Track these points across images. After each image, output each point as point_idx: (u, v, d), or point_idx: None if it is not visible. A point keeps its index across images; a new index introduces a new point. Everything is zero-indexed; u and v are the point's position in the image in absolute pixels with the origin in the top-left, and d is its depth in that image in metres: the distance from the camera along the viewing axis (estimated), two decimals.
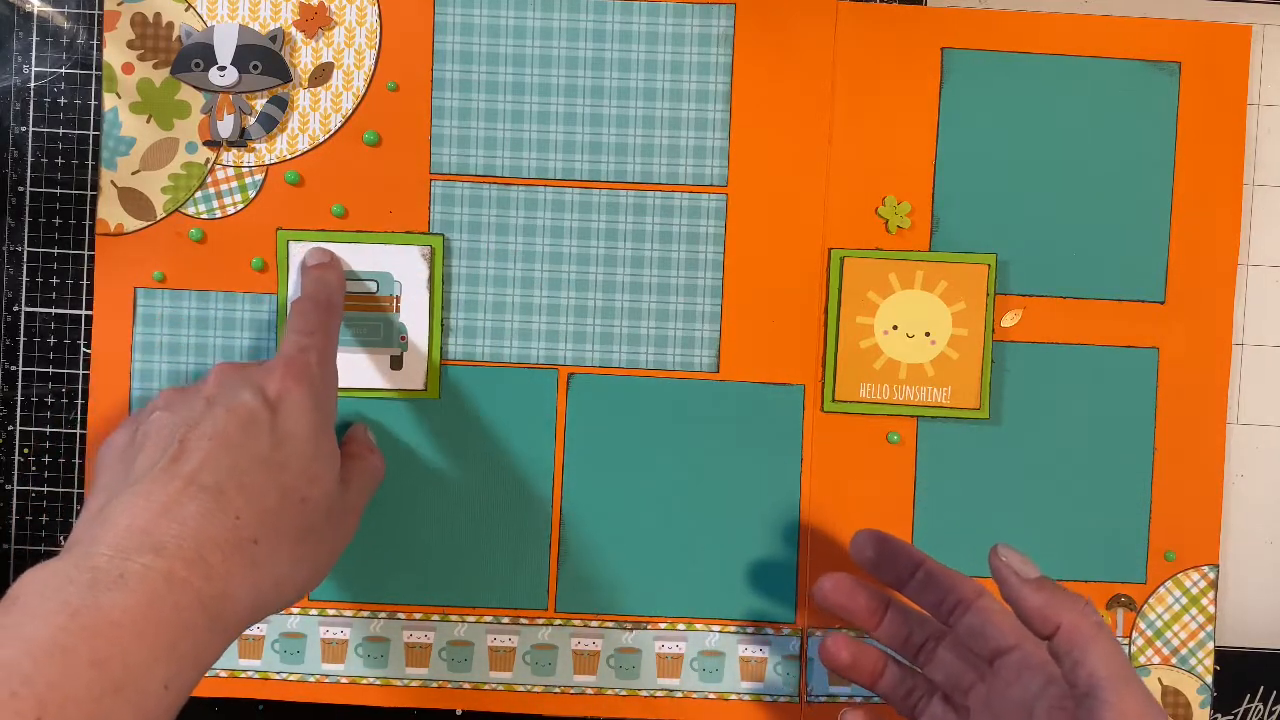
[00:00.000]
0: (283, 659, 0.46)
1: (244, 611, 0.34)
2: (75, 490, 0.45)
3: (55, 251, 0.45)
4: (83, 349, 0.45)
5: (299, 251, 0.45)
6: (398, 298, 0.45)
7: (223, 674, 0.46)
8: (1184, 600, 0.46)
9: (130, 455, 0.37)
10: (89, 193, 0.45)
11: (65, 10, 0.45)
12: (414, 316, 0.45)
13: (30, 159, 0.45)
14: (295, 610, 0.46)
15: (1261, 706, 0.46)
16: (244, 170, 0.45)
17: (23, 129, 0.45)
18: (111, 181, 0.45)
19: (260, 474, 0.35)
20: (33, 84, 0.45)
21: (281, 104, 0.45)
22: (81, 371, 0.45)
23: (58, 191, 0.45)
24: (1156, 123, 0.45)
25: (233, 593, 0.33)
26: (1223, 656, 0.46)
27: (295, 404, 0.37)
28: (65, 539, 0.45)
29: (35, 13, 0.45)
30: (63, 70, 0.45)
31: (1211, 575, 0.46)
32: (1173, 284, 0.46)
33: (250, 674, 0.46)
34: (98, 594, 0.30)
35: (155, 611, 0.31)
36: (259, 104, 0.45)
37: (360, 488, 0.41)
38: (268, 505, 0.35)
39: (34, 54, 0.45)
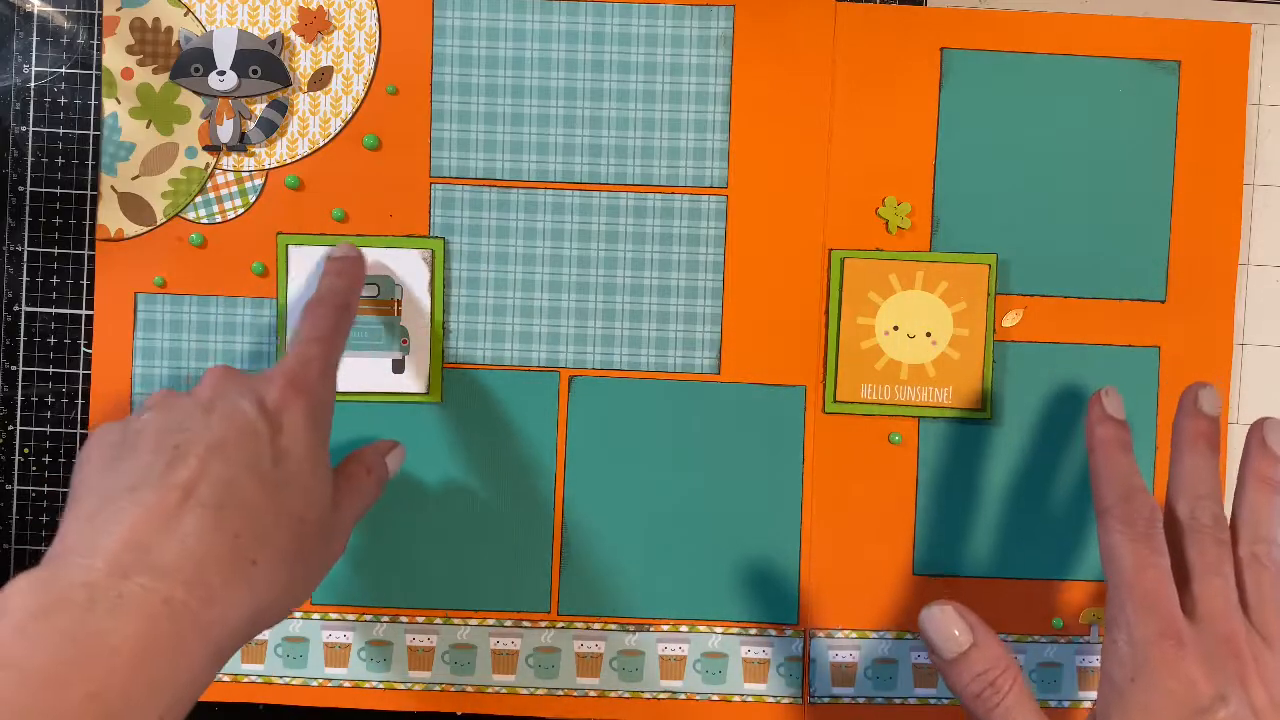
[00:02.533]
0: (285, 663, 0.46)
1: (239, 635, 0.33)
2: None
3: (55, 251, 0.45)
4: (83, 349, 0.45)
5: (299, 256, 0.45)
6: (399, 301, 0.45)
7: (225, 678, 0.46)
8: None
9: (122, 455, 0.35)
10: (89, 193, 0.45)
11: (65, 10, 0.45)
12: (415, 320, 0.45)
13: (30, 159, 0.45)
14: (298, 614, 0.46)
15: None
16: (244, 175, 0.45)
17: (23, 129, 0.45)
18: (111, 187, 0.45)
19: (259, 491, 0.34)
20: (33, 84, 0.45)
21: (281, 108, 0.45)
22: (81, 371, 0.45)
23: (58, 192, 0.45)
24: (1156, 122, 0.45)
25: (230, 617, 0.32)
26: None
27: (295, 420, 0.36)
28: None
29: (35, 13, 0.45)
30: (63, 70, 0.45)
31: None
32: (1173, 283, 0.46)
33: (253, 678, 0.46)
34: (96, 618, 0.30)
35: (154, 639, 0.30)
36: (258, 108, 0.45)
37: (350, 508, 0.39)
38: (266, 524, 0.34)
39: (34, 54, 0.45)
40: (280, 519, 0.34)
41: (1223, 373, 0.46)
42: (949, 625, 0.36)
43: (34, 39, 0.45)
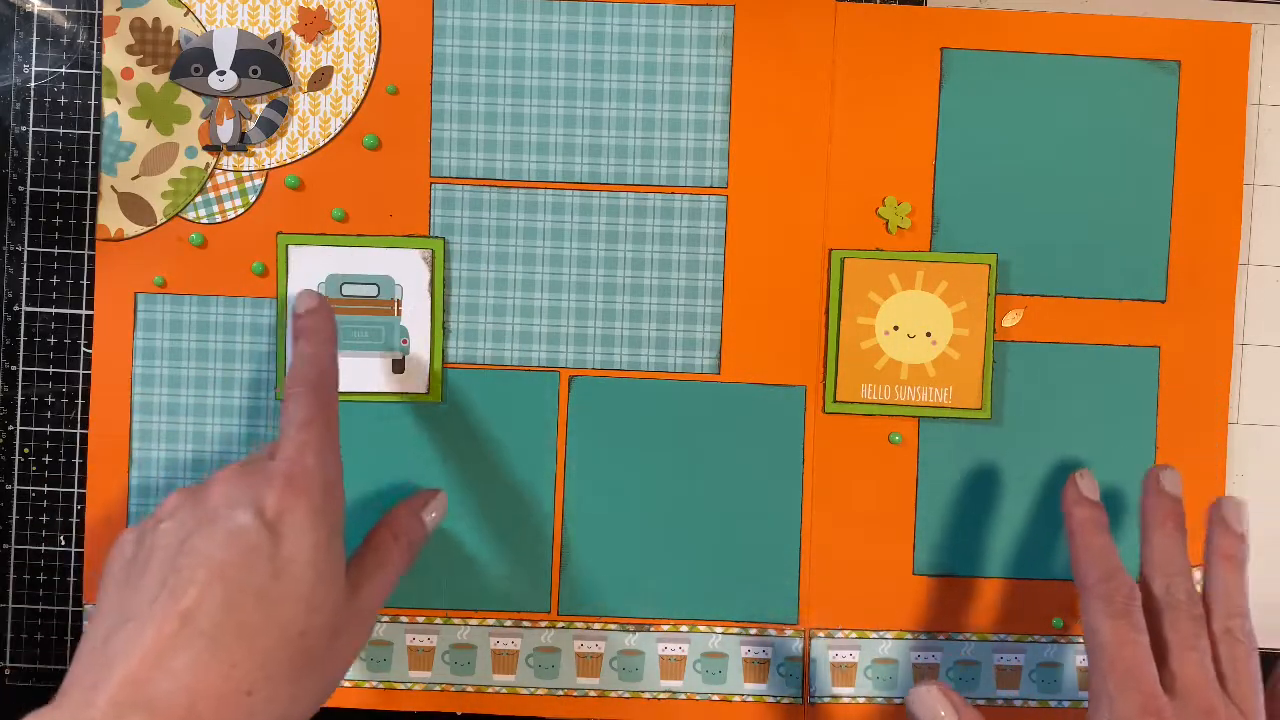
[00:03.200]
0: None
1: None
2: (75, 490, 0.45)
3: (55, 251, 0.45)
4: (83, 349, 0.45)
5: (299, 256, 0.45)
6: (399, 301, 0.45)
7: None
8: None
9: (133, 575, 0.35)
10: (89, 193, 0.45)
11: (65, 10, 0.45)
12: (415, 320, 0.45)
13: (30, 159, 0.45)
14: None
15: None
16: (244, 175, 0.45)
17: (23, 129, 0.45)
18: (111, 187, 0.45)
19: (257, 612, 0.34)
20: (33, 84, 0.45)
21: (281, 108, 0.45)
22: (81, 371, 0.45)
23: (58, 191, 0.45)
24: (1156, 122, 0.45)
25: None
26: None
27: (296, 524, 0.36)
28: (65, 539, 0.45)
29: (35, 13, 0.45)
30: (63, 70, 0.45)
31: None
32: (1173, 283, 0.46)
33: None
34: None
35: None
36: (258, 108, 0.45)
37: (373, 590, 0.39)
38: (266, 646, 0.34)
39: (34, 54, 0.45)
40: (282, 639, 0.34)
41: (1222, 373, 0.46)
42: (935, 706, 0.38)
43: (34, 39, 0.45)
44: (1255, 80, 0.46)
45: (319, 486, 0.37)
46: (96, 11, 0.45)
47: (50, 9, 0.45)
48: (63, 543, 0.46)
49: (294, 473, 0.36)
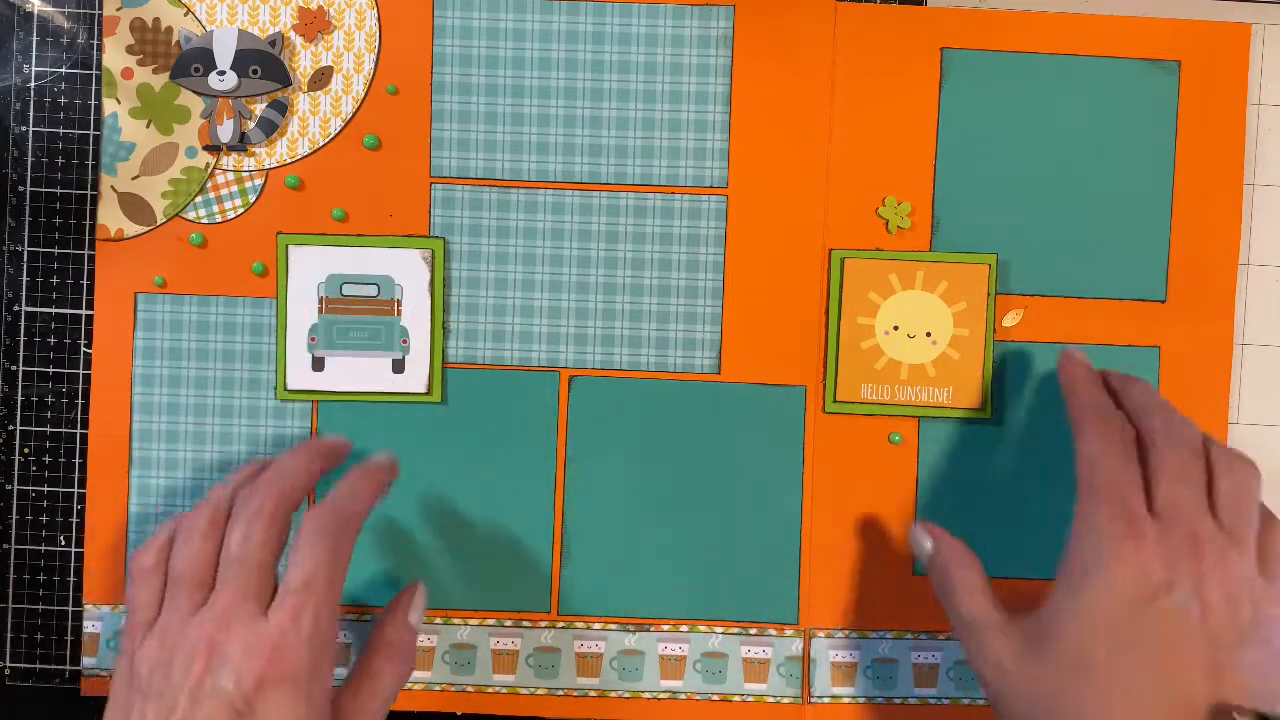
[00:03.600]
0: None
1: None
2: (75, 490, 0.45)
3: (55, 251, 0.45)
4: (83, 349, 0.45)
5: (299, 256, 0.45)
6: (399, 301, 0.45)
7: None
8: None
9: (135, 698, 0.36)
10: (89, 192, 0.45)
11: (65, 10, 0.45)
12: (415, 320, 0.45)
13: (30, 159, 0.45)
14: None
15: None
16: (244, 174, 0.45)
17: (23, 129, 0.45)
18: (112, 186, 0.45)
19: None
20: (33, 84, 0.45)
21: (281, 108, 0.45)
22: (82, 371, 0.45)
23: (58, 191, 0.45)
24: (1156, 122, 0.45)
25: None
26: None
27: (275, 706, 0.35)
28: (65, 539, 0.45)
29: (35, 13, 0.45)
30: (63, 70, 0.45)
31: None
32: (1173, 283, 0.46)
33: None
34: None
35: None
36: (259, 108, 0.45)
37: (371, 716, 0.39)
38: None
39: (34, 54, 0.45)
40: None
41: (1223, 373, 0.46)
42: (922, 539, 0.42)
43: (34, 39, 0.45)
44: (1255, 80, 0.46)
45: (307, 661, 0.36)
46: (97, 11, 0.45)
47: (50, 9, 0.45)
48: (63, 543, 0.46)
49: (277, 652, 0.36)
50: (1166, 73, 0.45)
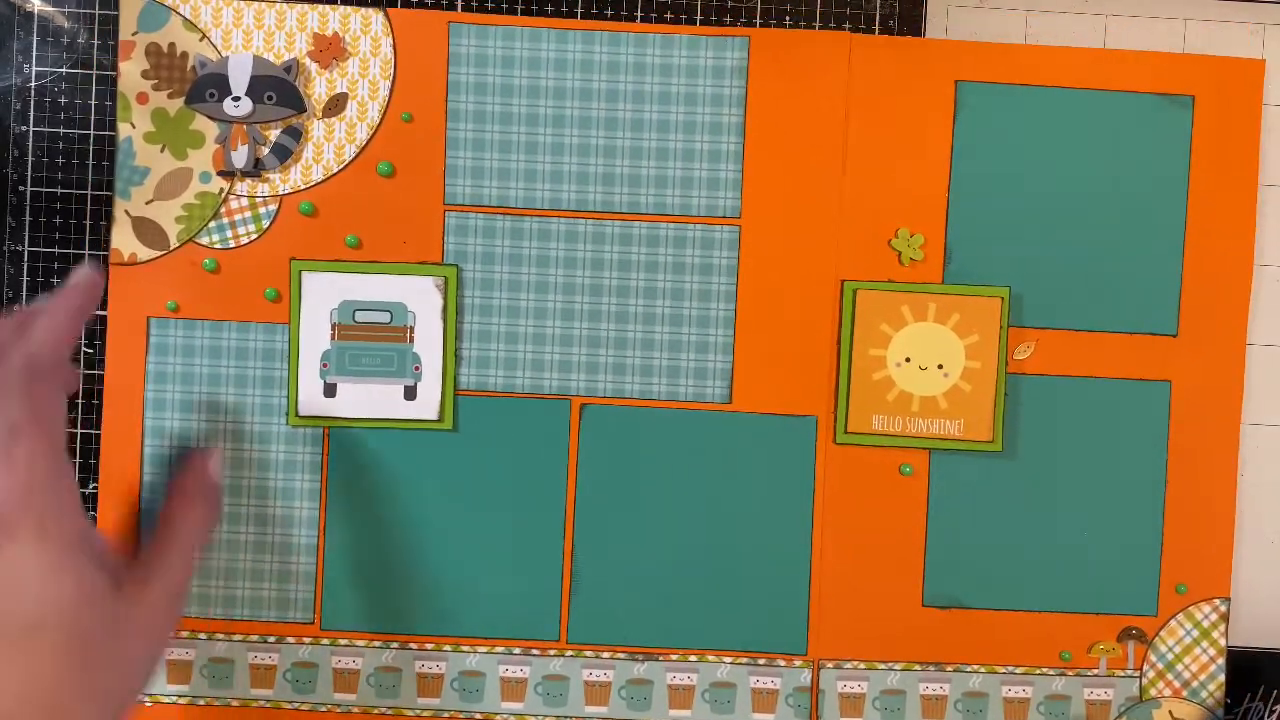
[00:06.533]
0: (295, 688, 0.46)
1: None
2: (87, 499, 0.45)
3: (56, 251, 0.45)
4: (82, 348, 0.45)
5: (313, 282, 0.45)
6: (411, 328, 0.45)
7: (234, 703, 0.46)
8: (1195, 633, 0.46)
9: None
10: (89, 192, 0.45)
11: (65, 10, 0.45)
12: (428, 347, 0.45)
13: (31, 159, 0.45)
14: (307, 639, 0.46)
15: (1261, 706, 0.46)
16: (258, 200, 0.45)
17: (23, 129, 0.45)
18: (125, 210, 0.45)
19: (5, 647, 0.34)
20: (33, 84, 0.45)
21: (296, 134, 0.45)
22: (82, 371, 0.45)
23: (58, 192, 0.45)
24: (1169, 156, 0.46)
25: None
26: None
27: (15, 554, 0.34)
28: None
29: (36, 13, 0.45)
30: (63, 70, 0.45)
31: (1223, 608, 0.46)
32: (1185, 317, 0.46)
33: (263, 703, 0.46)
34: None
35: None
36: (273, 134, 0.45)
37: (169, 572, 0.39)
38: (28, 680, 0.33)
39: (34, 54, 0.45)
40: (46, 671, 0.34)
41: (1233, 408, 0.46)
42: None
43: (34, 39, 0.45)
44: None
45: (33, 501, 0.35)
46: (97, 11, 0.44)
47: (50, 9, 0.45)
48: None
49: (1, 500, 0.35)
50: (1180, 107, 0.45)
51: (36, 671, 0.34)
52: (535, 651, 0.46)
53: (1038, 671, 0.46)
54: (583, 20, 0.45)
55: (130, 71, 0.45)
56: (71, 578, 0.35)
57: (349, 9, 0.45)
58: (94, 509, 0.45)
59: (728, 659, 0.46)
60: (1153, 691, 0.46)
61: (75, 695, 0.34)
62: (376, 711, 0.46)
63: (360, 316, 0.45)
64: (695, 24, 0.45)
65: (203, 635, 0.46)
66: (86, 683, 0.35)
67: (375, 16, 0.45)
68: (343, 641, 0.46)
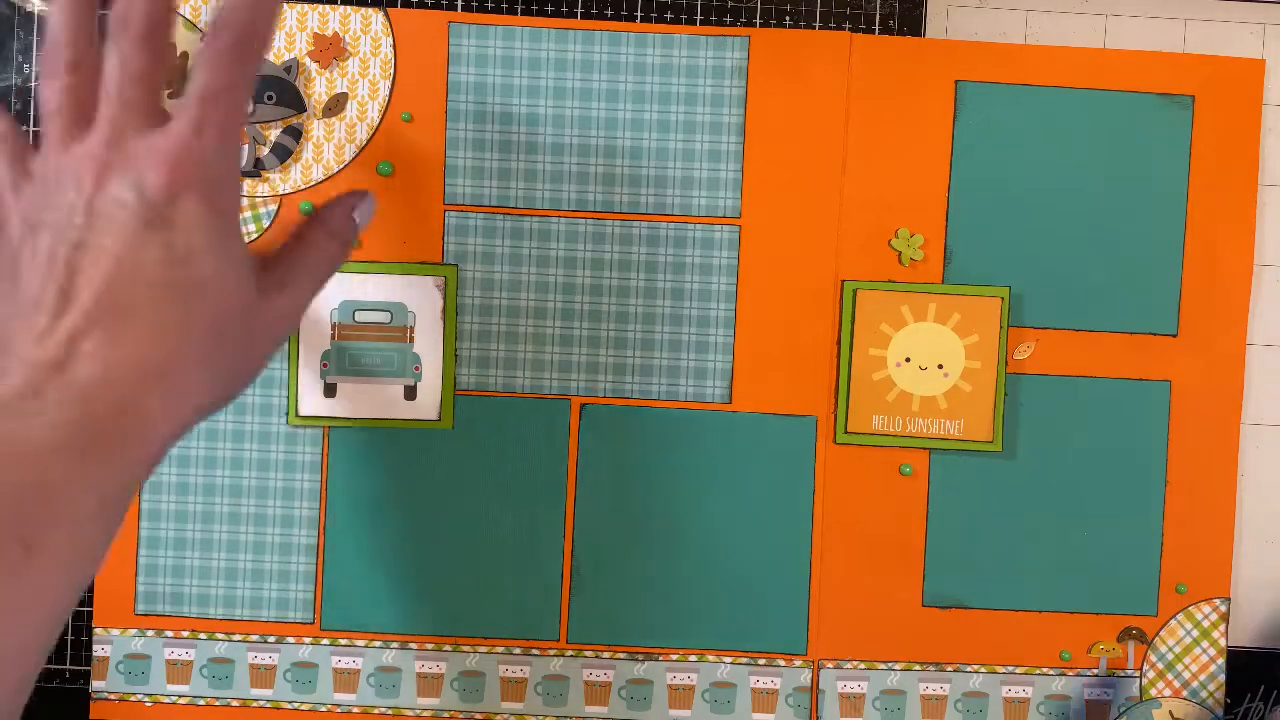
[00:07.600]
0: (295, 688, 0.46)
1: (163, 443, 0.32)
2: None
3: None
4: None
5: None
6: (411, 328, 0.45)
7: (235, 704, 0.46)
8: (1195, 633, 0.46)
9: (9, 275, 0.32)
10: None
11: None
12: (427, 347, 0.45)
13: None
14: (307, 639, 0.46)
15: (1261, 706, 0.46)
16: (258, 200, 0.45)
17: (23, 129, 0.45)
18: None
19: (161, 300, 0.32)
20: (33, 84, 0.45)
21: (295, 134, 0.45)
22: None
23: None
24: (1169, 156, 0.46)
25: (151, 433, 0.32)
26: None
27: (189, 215, 0.32)
28: None
29: (35, 13, 0.45)
30: None
31: (1223, 608, 0.46)
32: (1185, 317, 0.46)
33: (262, 703, 0.46)
34: (11, 422, 0.29)
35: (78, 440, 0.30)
36: (273, 134, 0.45)
37: (300, 286, 0.37)
38: (173, 336, 0.32)
39: (34, 54, 0.45)
40: (189, 326, 0.33)
41: (1233, 408, 0.46)
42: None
43: (34, 39, 0.45)
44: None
45: (215, 172, 0.33)
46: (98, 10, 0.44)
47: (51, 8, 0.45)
48: None
49: (184, 161, 0.32)
50: (1180, 107, 0.45)
51: (181, 323, 0.32)
52: (535, 651, 0.46)
53: (1038, 671, 0.46)
54: (583, 20, 0.45)
55: None
56: (234, 252, 0.34)
57: (349, 9, 0.45)
58: None
59: (728, 659, 0.46)
60: (1153, 691, 0.46)
61: (199, 362, 0.33)
62: (376, 711, 0.46)
63: (360, 316, 0.45)
64: (695, 24, 0.45)
65: (203, 635, 0.46)
66: (212, 356, 0.33)
67: (375, 16, 0.45)
68: (343, 641, 0.46)
